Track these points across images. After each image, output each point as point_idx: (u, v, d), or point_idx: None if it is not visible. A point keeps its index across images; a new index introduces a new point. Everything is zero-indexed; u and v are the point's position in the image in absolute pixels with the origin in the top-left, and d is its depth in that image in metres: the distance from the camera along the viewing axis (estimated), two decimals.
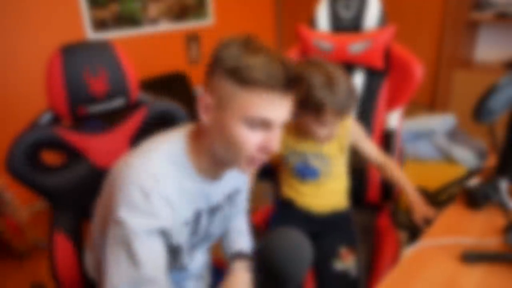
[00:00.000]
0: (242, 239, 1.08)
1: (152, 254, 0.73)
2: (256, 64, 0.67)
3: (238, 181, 0.99)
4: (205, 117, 0.75)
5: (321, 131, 1.12)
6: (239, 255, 1.02)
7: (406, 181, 1.23)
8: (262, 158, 0.75)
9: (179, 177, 0.78)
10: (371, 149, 1.29)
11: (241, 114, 0.70)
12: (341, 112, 1.08)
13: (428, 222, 1.10)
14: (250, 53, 0.68)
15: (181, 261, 0.90)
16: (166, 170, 0.76)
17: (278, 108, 0.70)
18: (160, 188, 0.74)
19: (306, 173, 1.28)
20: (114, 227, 0.74)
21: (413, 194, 1.19)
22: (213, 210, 0.91)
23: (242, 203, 1.11)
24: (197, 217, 0.86)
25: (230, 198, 0.97)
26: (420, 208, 1.15)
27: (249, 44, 0.70)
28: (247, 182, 1.10)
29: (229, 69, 0.69)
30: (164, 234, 0.77)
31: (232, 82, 0.69)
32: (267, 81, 0.67)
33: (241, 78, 0.68)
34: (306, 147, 1.24)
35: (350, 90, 1.08)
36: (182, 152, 0.79)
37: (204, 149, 0.79)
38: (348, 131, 1.24)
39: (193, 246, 0.94)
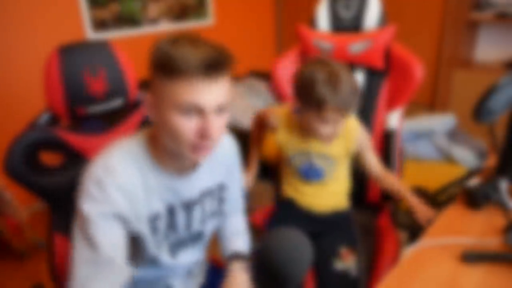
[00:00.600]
0: (238, 240, 1.08)
1: (108, 237, 0.77)
2: (177, 54, 0.71)
3: (221, 177, 0.99)
4: (150, 114, 0.80)
5: (323, 128, 1.12)
6: (236, 256, 1.02)
7: (405, 189, 1.24)
8: (206, 145, 0.77)
9: (142, 172, 0.82)
10: (372, 160, 1.29)
11: (173, 103, 0.74)
12: (342, 110, 1.08)
13: (429, 222, 1.10)
14: (173, 46, 0.72)
15: (146, 252, 0.89)
16: (125, 164, 0.80)
17: (206, 93, 0.73)
18: (115, 179, 0.78)
19: (310, 174, 1.28)
20: (77, 218, 0.79)
21: (413, 197, 1.20)
22: (188, 206, 0.92)
23: (235, 200, 1.10)
24: (170, 212, 0.89)
25: (212, 194, 0.97)
26: (422, 209, 1.16)
27: (177, 39, 0.74)
28: (239, 178, 1.09)
29: (157, 64, 0.74)
30: (122, 219, 0.79)
31: (161, 75, 0.74)
32: (186, 68, 0.70)
33: (166, 69, 0.72)
34: (311, 147, 1.25)
35: (353, 88, 1.08)
36: (143, 150, 0.84)
37: (160, 146, 0.83)
38: (356, 138, 1.24)
39: (180, 244, 0.95)
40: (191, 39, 0.74)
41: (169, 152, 0.82)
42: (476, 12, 2.77)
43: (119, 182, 0.78)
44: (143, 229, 0.85)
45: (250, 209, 1.23)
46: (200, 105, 0.73)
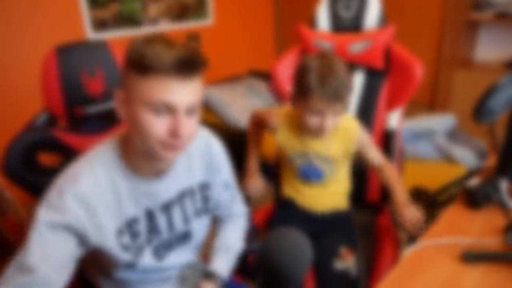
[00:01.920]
0: (223, 258, 1.05)
1: (43, 246, 0.75)
2: (149, 52, 0.71)
3: (201, 176, 0.98)
4: (121, 112, 0.80)
5: (312, 120, 1.12)
6: (211, 276, 1.00)
7: (398, 183, 1.22)
8: (177, 144, 0.77)
9: (112, 179, 0.81)
10: (374, 155, 1.28)
11: (143, 101, 0.74)
12: (330, 102, 1.07)
13: (418, 226, 1.09)
14: (147, 45, 0.73)
15: (117, 261, 0.87)
16: (92, 172, 0.80)
17: (177, 92, 0.73)
18: (76, 187, 0.77)
19: (310, 174, 1.28)
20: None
21: (401, 196, 1.17)
22: (167, 207, 0.91)
23: (227, 204, 1.08)
24: (149, 216, 0.88)
25: (192, 193, 0.96)
26: (408, 210, 1.13)
27: (151, 38, 0.75)
28: (228, 179, 1.06)
29: (130, 61, 0.74)
30: (74, 232, 0.78)
31: (133, 72, 0.74)
32: (158, 66, 0.71)
33: (138, 67, 0.72)
34: (310, 148, 1.25)
35: (343, 83, 1.08)
36: (115, 155, 0.83)
37: (132, 147, 0.82)
38: (355, 138, 1.24)
39: (166, 246, 0.94)
40: (165, 39, 0.75)
41: (142, 153, 0.81)
42: (476, 12, 2.76)
43: (80, 192, 0.77)
44: (108, 242, 0.82)
45: (251, 209, 1.23)
46: (171, 103, 0.73)
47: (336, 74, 1.07)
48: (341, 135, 1.23)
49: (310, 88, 1.07)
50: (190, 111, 0.76)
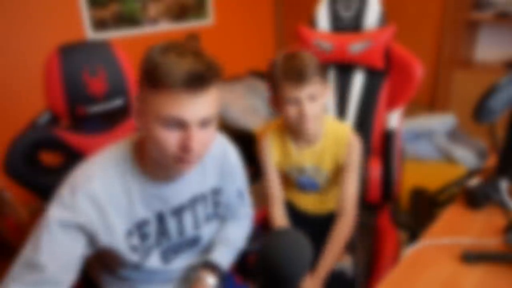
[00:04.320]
0: (222, 250, 1.03)
1: (54, 245, 0.75)
2: (162, 65, 0.69)
3: (214, 181, 0.97)
4: (137, 121, 0.79)
5: (291, 111, 1.09)
6: (210, 266, 0.98)
7: (338, 245, 1.17)
8: (189, 158, 0.76)
9: (125, 180, 0.81)
10: (349, 185, 1.20)
11: (155, 115, 0.73)
12: (298, 86, 1.05)
13: None
14: (160, 55, 0.71)
15: (125, 260, 0.87)
16: (106, 173, 0.80)
17: (188, 107, 0.71)
18: (90, 188, 0.77)
19: (307, 186, 1.29)
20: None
21: (324, 268, 1.14)
22: (178, 211, 0.91)
23: (233, 207, 1.07)
24: (159, 219, 0.88)
25: (204, 199, 0.96)
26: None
27: (167, 47, 0.73)
28: (239, 184, 1.05)
29: (144, 72, 0.73)
30: (85, 232, 0.78)
31: (147, 83, 0.73)
32: (169, 81, 0.69)
33: (151, 79, 0.71)
34: (305, 161, 1.23)
35: (309, 64, 1.06)
36: (128, 157, 0.83)
37: (146, 153, 0.82)
38: (345, 143, 1.19)
39: (175, 250, 0.94)
40: (180, 50, 0.72)
41: (156, 160, 0.81)
42: (476, 12, 2.76)
43: (92, 192, 0.77)
44: (117, 242, 0.82)
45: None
46: (182, 119, 0.72)
47: (300, 58, 1.07)
48: (332, 138, 1.20)
49: (277, 78, 1.07)
50: (204, 124, 0.75)
